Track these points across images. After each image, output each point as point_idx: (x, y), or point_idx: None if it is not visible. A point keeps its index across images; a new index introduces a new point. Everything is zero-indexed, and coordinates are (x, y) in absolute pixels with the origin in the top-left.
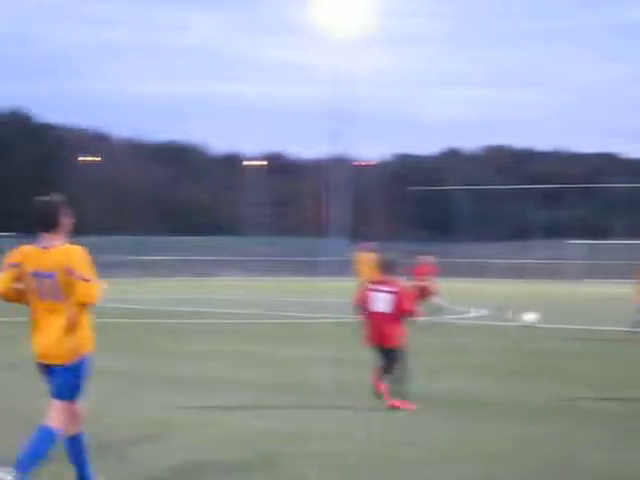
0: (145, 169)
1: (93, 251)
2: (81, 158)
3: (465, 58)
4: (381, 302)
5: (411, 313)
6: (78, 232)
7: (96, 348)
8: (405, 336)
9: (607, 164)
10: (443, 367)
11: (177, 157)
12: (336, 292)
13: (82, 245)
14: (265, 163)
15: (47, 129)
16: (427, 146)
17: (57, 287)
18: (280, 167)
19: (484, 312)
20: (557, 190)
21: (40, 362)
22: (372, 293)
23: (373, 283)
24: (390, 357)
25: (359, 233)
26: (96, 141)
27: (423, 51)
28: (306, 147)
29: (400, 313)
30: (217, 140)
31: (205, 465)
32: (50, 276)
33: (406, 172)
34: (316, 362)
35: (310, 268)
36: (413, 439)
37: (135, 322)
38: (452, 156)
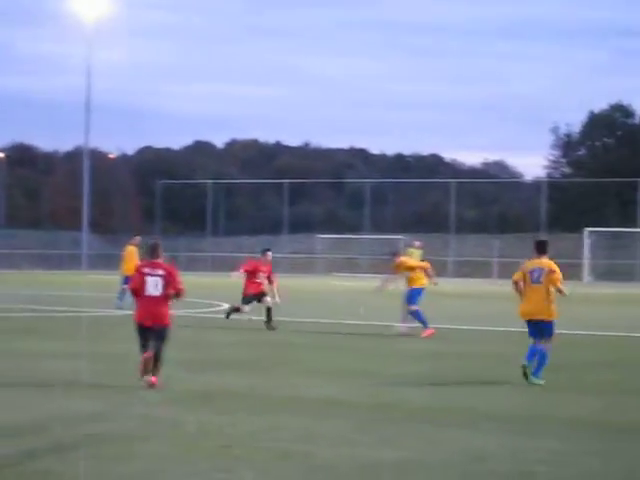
0: None
1: None
2: None
3: (214, 53)
4: (152, 285)
5: (181, 292)
6: None
7: None
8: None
9: (355, 159)
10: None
11: None
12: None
13: None
14: (2, 155)
15: None
16: (173, 140)
17: None
18: (25, 159)
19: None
20: (305, 185)
21: None
22: (146, 277)
23: (144, 267)
24: (161, 336)
25: (105, 227)
26: None
27: (170, 45)
28: (53, 139)
29: (171, 293)
30: None
31: None
32: None
33: (153, 165)
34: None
35: (61, 262)
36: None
37: None
38: (199, 150)
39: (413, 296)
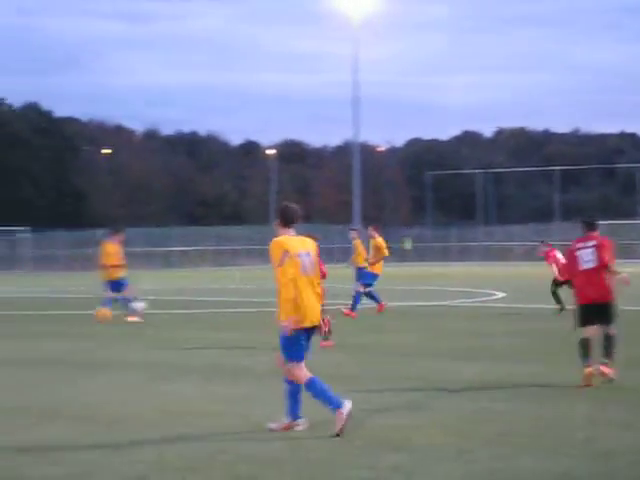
0: (161, 160)
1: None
2: (96, 150)
3: (477, 43)
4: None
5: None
6: (93, 224)
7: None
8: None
9: (626, 144)
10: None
11: (193, 147)
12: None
13: (96, 237)
14: (273, 152)
15: (62, 122)
16: (441, 131)
17: None
18: (297, 155)
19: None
20: (576, 171)
21: None
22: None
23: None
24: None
25: (376, 220)
26: (111, 133)
27: (436, 37)
28: (322, 135)
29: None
30: (234, 130)
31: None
32: None
33: (421, 157)
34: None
35: (332, 255)
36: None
37: (153, 313)
38: (467, 140)
39: None
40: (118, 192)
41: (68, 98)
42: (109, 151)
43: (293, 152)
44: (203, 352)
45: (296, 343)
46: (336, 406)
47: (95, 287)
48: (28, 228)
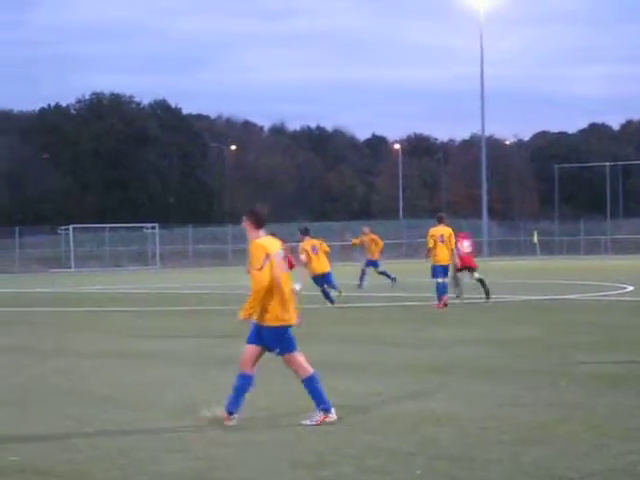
0: (288, 156)
1: (233, 240)
2: (223, 147)
3: (602, 34)
4: None
5: None
6: (221, 220)
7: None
8: None
9: None
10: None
11: (320, 143)
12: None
13: (223, 234)
14: (398, 146)
15: (190, 120)
16: (569, 124)
17: None
18: (423, 149)
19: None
20: None
21: None
22: None
23: None
24: None
25: (503, 214)
26: (238, 130)
27: (560, 28)
28: (448, 129)
29: None
30: (360, 124)
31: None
32: None
33: (548, 150)
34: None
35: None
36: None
37: None
38: (595, 132)
39: None
40: (245, 188)
41: (197, 95)
42: (236, 147)
43: (420, 146)
44: (330, 346)
45: (286, 337)
46: (327, 407)
47: (225, 282)
48: (157, 224)
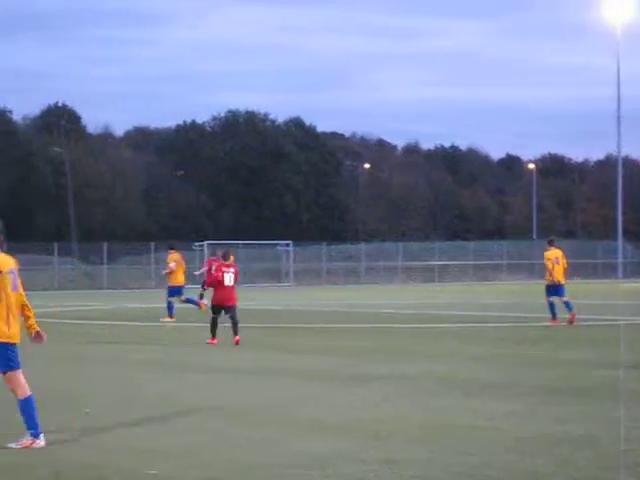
0: (421, 174)
1: (367, 258)
2: (357, 165)
3: None
4: None
5: None
6: (355, 238)
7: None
8: None
9: None
10: None
11: (453, 162)
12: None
13: (356, 251)
14: (533, 166)
15: (324, 138)
16: None
17: None
18: (558, 169)
19: None
20: None
21: None
22: None
23: None
24: None
25: (638, 235)
26: (372, 148)
27: None
28: (583, 149)
29: None
30: (494, 144)
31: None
32: None
33: None
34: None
35: (596, 271)
36: None
37: (428, 327)
38: None
39: None
40: (379, 206)
41: (331, 113)
42: (370, 165)
43: (554, 166)
44: (466, 365)
45: (8, 354)
46: (37, 433)
47: (358, 300)
48: (291, 242)
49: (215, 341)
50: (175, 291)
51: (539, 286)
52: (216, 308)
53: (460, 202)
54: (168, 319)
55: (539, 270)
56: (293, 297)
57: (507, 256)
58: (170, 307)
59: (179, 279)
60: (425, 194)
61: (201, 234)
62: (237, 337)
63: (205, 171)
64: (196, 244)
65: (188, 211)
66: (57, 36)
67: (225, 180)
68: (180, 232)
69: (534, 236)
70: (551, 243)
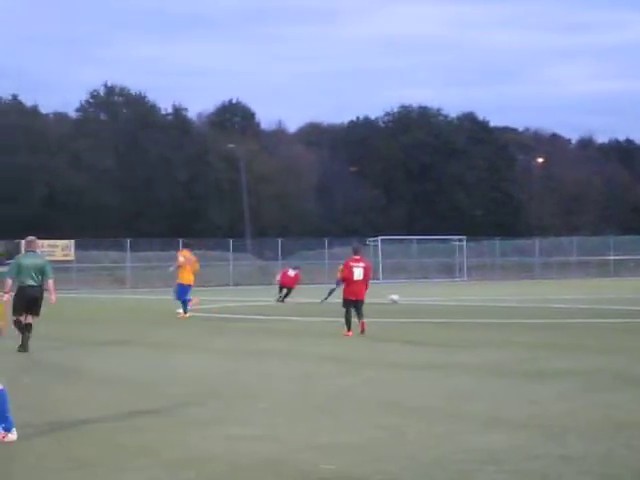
0: (595, 169)
1: (540, 253)
2: (531, 159)
3: None
4: None
5: None
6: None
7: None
8: None
9: None
10: None
11: (628, 155)
12: None
13: (530, 247)
14: None
15: (497, 132)
16: None
17: None
18: None
19: None
20: None
21: None
22: None
23: None
24: None
25: None
26: (545, 142)
27: None
28: None
29: None
30: None
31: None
32: None
33: None
34: None
35: None
36: None
37: (603, 322)
38: None
39: None
40: (552, 201)
41: (504, 108)
42: (543, 160)
43: None
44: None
45: None
46: (8, 427)
47: (531, 295)
48: (464, 237)
49: (350, 333)
50: (184, 290)
51: None
52: (347, 302)
53: (634, 196)
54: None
55: None
56: (466, 292)
57: None
58: (184, 302)
59: (189, 278)
60: (599, 188)
61: (375, 230)
62: (363, 321)
63: (378, 167)
64: (370, 239)
65: (361, 207)
66: (228, 34)
67: (398, 176)
68: (353, 227)
69: None
70: None
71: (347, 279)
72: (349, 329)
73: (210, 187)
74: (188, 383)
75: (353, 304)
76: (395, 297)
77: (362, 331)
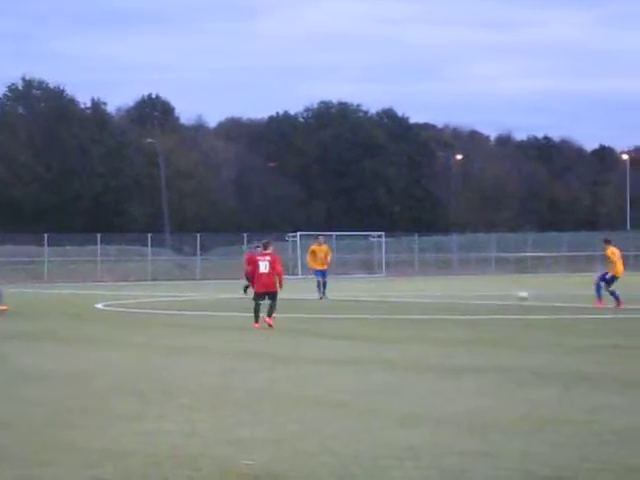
0: (513, 166)
1: (459, 249)
2: (450, 156)
3: None
4: None
5: None
6: (446, 229)
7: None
8: None
9: None
10: None
11: (546, 153)
12: None
13: (448, 243)
14: (627, 156)
15: (417, 129)
16: None
17: None
18: None
19: None
20: None
21: None
22: None
23: None
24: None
25: None
26: (465, 139)
27: None
28: None
29: None
30: (588, 135)
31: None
32: None
33: None
34: None
35: None
36: None
37: (512, 318)
38: None
39: None
40: (471, 197)
41: (424, 105)
42: (462, 157)
43: None
44: (563, 357)
45: None
46: None
47: (449, 291)
48: (383, 233)
49: (258, 325)
50: None
51: (634, 278)
52: (257, 296)
53: (552, 193)
54: None
55: (634, 262)
56: (386, 288)
57: (600, 248)
58: None
59: None
60: (518, 185)
61: (293, 225)
62: (268, 319)
63: (297, 162)
64: (289, 235)
65: (280, 202)
66: (148, 29)
67: (318, 171)
68: (272, 223)
69: (628, 227)
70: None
71: (254, 273)
72: (256, 321)
73: (129, 181)
74: (108, 378)
75: (265, 296)
76: (524, 294)
77: (269, 326)
